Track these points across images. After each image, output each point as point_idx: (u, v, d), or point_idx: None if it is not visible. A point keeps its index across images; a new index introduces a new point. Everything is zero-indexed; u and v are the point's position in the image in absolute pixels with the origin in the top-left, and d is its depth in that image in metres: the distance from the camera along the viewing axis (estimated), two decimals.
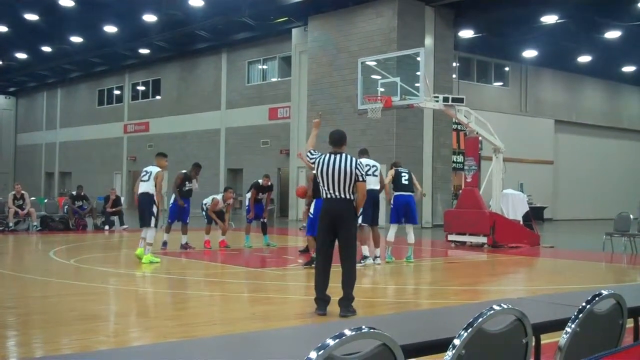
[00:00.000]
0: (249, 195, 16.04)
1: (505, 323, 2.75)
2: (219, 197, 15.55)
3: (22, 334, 6.68)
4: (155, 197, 12.44)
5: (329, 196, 7.47)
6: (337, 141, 7.68)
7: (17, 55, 40.22)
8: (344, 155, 7.55)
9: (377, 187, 12.29)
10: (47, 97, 50.03)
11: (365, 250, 12.37)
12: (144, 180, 12.58)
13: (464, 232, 17.24)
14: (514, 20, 26.51)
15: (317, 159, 7.60)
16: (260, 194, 15.90)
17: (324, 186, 7.48)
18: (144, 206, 12.49)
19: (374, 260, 12.57)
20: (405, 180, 12.96)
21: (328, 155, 7.56)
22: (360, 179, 7.51)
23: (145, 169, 12.88)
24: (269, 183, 16.03)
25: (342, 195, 7.43)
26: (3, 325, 6.94)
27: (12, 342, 6.38)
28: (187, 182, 14.68)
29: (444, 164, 26.96)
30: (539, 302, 4.81)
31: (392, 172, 13.11)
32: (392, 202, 12.94)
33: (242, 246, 15.72)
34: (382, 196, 13.04)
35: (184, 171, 15.02)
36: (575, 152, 35.35)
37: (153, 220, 12.38)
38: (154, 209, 12.42)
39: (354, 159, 7.57)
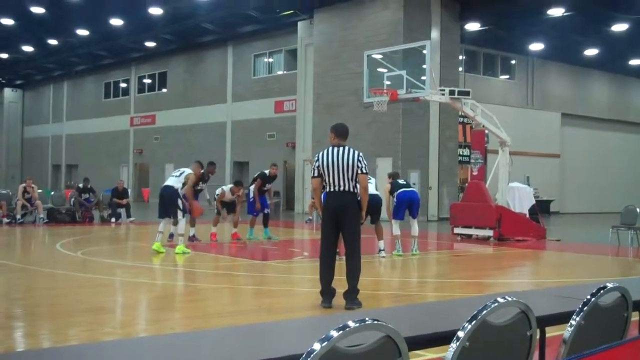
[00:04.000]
0: (252, 187, 15.67)
1: (509, 315, 2.75)
2: (227, 188, 15.66)
3: (30, 325, 6.72)
4: (179, 191, 12.83)
5: (332, 189, 7.44)
6: (340, 134, 7.63)
7: (24, 48, 40.27)
8: (346, 148, 7.52)
9: (375, 192, 12.26)
10: (54, 90, 50.13)
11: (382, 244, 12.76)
12: (174, 176, 13.12)
13: (470, 225, 17.23)
14: (520, 13, 26.39)
15: (318, 154, 7.58)
16: (267, 184, 15.82)
17: (327, 180, 7.45)
18: (170, 200, 12.83)
19: (378, 253, 12.64)
20: (403, 182, 13.28)
21: (330, 148, 7.52)
22: (362, 171, 7.45)
23: (179, 168, 13.67)
24: (276, 173, 16.03)
25: (346, 188, 7.41)
26: (11, 317, 6.99)
27: (19, 333, 6.42)
28: (200, 182, 14.65)
29: (450, 157, 26.92)
30: (544, 294, 4.81)
31: (387, 186, 13.22)
32: (395, 199, 12.95)
33: (245, 238, 15.69)
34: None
35: (201, 170, 14.90)
36: (581, 145, 35.25)
37: (180, 213, 12.77)
38: (179, 203, 12.78)
39: (355, 151, 7.53)
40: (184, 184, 12.95)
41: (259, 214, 15.69)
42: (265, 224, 16.02)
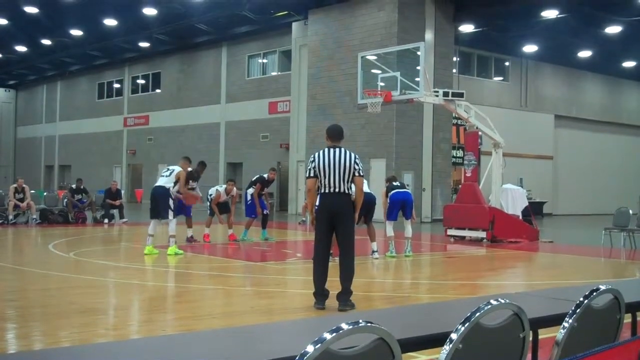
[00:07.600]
0: (250, 190, 15.55)
1: (502, 318, 2.76)
2: (222, 189, 15.60)
3: (22, 327, 6.68)
4: (170, 191, 12.72)
5: (327, 191, 7.43)
6: (336, 135, 7.64)
7: (17, 48, 40.10)
8: (342, 149, 7.53)
9: (368, 190, 12.31)
10: (47, 90, 49.96)
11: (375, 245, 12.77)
12: (164, 176, 12.96)
13: (463, 227, 17.25)
14: (514, 14, 26.46)
15: (314, 154, 7.57)
16: (265, 188, 15.79)
17: (322, 181, 7.45)
18: (160, 200, 12.73)
19: (371, 254, 12.65)
20: (398, 183, 13.29)
21: (327, 149, 7.53)
22: (358, 173, 7.48)
23: (168, 166, 13.41)
24: (274, 177, 15.99)
25: (341, 190, 7.41)
26: (3, 318, 6.95)
27: (11, 334, 6.39)
28: (190, 181, 14.58)
29: (444, 159, 26.96)
30: (537, 296, 4.82)
31: (384, 190, 13.32)
32: (389, 200, 12.97)
33: (239, 239, 15.66)
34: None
35: (190, 169, 14.86)
36: (575, 147, 35.34)
37: (171, 213, 12.68)
38: (170, 202, 12.70)
39: (352, 153, 7.55)
40: (175, 183, 12.85)
41: (258, 216, 15.63)
42: (264, 225, 15.97)
